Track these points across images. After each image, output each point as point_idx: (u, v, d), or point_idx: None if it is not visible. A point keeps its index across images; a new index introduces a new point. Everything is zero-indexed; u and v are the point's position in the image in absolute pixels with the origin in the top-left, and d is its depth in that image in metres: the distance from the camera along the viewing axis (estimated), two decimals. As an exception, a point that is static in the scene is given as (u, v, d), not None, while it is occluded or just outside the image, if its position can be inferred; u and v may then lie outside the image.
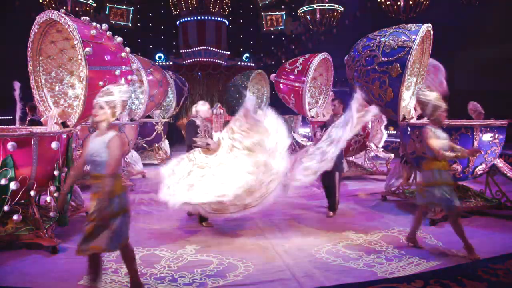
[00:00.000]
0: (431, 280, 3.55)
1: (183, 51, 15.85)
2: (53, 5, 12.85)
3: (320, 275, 3.73)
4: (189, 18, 16.08)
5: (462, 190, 5.83)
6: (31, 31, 5.31)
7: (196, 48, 15.59)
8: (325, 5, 14.76)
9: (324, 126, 5.90)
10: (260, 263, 4.03)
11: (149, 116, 11.08)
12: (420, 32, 5.71)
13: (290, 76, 9.71)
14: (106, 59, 5.11)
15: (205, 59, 15.56)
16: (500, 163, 5.66)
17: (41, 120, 5.61)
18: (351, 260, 4.08)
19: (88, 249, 2.92)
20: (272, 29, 18.68)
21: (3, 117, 14.44)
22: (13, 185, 4.11)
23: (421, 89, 4.53)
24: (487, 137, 5.28)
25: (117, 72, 5.24)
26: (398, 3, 12.55)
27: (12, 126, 5.97)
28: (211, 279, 3.67)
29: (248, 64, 16.57)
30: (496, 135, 5.35)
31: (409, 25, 6.01)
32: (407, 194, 6.26)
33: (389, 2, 12.77)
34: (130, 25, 17.80)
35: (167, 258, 4.18)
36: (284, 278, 3.69)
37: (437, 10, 14.09)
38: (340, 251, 4.34)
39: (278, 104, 13.31)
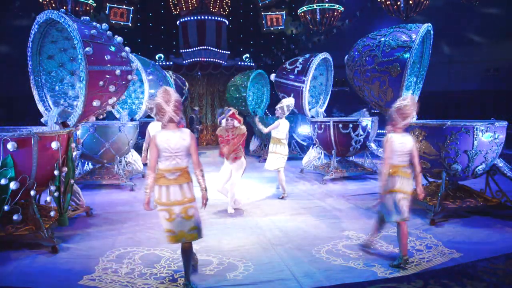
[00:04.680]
0: (431, 280, 3.55)
1: (183, 51, 15.82)
2: (53, 5, 12.84)
3: (320, 275, 3.73)
4: (189, 18, 16.05)
5: (462, 190, 5.84)
6: (31, 30, 5.32)
7: (196, 48, 15.57)
8: (325, 5, 14.75)
9: None
10: (260, 263, 4.03)
11: (149, 116, 11.07)
12: (421, 32, 5.72)
13: (290, 76, 9.71)
14: (106, 58, 5.11)
15: (205, 59, 15.53)
16: (500, 163, 5.66)
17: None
18: (351, 260, 4.08)
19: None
20: (272, 29, 18.67)
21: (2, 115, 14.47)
22: (13, 185, 4.12)
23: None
24: (487, 137, 5.28)
25: (117, 71, 5.24)
26: (398, 3, 12.54)
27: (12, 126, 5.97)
28: (211, 279, 3.67)
29: (248, 64, 16.55)
30: (496, 135, 5.35)
31: (409, 24, 6.02)
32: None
33: (389, 2, 12.76)
34: (130, 24, 17.78)
35: (167, 258, 4.18)
36: (284, 278, 3.69)
37: (436, 10, 14.10)
38: (340, 251, 4.34)
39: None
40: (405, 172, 3.99)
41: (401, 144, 3.96)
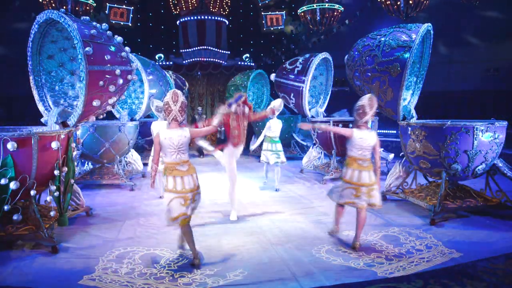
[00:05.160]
0: (431, 280, 3.55)
1: (183, 50, 15.81)
2: (53, 5, 12.84)
3: (320, 275, 3.73)
4: (189, 18, 16.04)
5: (462, 189, 5.84)
6: (31, 30, 5.31)
7: (196, 48, 15.57)
8: (325, 5, 14.75)
9: None
10: (260, 263, 4.03)
11: (149, 116, 11.09)
12: (420, 32, 5.71)
13: (290, 75, 9.71)
14: (106, 58, 5.11)
15: (205, 59, 15.52)
16: (500, 163, 5.66)
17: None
18: (351, 260, 4.08)
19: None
20: (272, 28, 18.67)
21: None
22: (13, 185, 4.12)
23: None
24: (487, 137, 5.28)
25: (117, 71, 5.24)
26: (398, 3, 12.54)
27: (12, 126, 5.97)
28: (211, 279, 3.67)
29: (248, 63, 16.54)
30: (496, 135, 5.35)
31: (409, 24, 6.02)
32: (407, 193, 6.26)
33: (389, 2, 12.75)
34: (130, 24, 17.76)
35: (167, 258, 4.18)
36: (284, 277, 3.69)
37: (436, 10, 14.09)
38: (340, 251, 4.34)
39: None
40: (361, 165, 4.42)
41: (361, 139, 4.41)
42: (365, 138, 4.40)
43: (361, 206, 4.37)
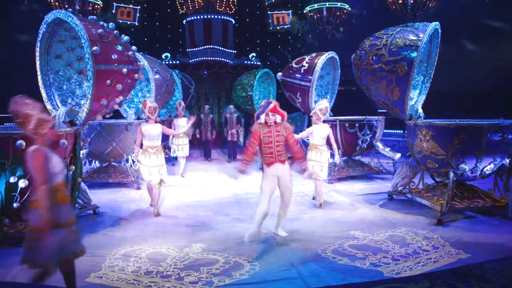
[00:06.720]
0: (438, 281, 3.53)
1: (190, 50, 15.86)
2: (61, 5, 12.93)
3: (326, 275, 3.73)
4: (195, 17, 16.09)
5: (470, 190, 5.79)
6: (40, 30, 5.36)
7: (203, 47, 15.60)
8: (332, 4, 14.71)
9: None
10: (266, 262, 4.03)
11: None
12: (428, 31, 5.67)
13: (296, 75, 9.68)
14: (113, 58, 5.14)
15: (211, 58, 15.55)
16: (509, 163, 5.60)
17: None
18: (358, 260, 4.07)
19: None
20: (278, 27, 18.64)
21: (3, 115, 14.58)
22: (22, 183, 4.16)
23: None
24: (495, 137, 5.22)
25: (124, 70, 5.27)
26: (405, 2, 12.45)
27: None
28: (217, 278, 3.68)
29: (255, 63, 16.54)
30: (505, 135, 5.29)
31: (416, 23, 5.97)
32: (414, 193, 6.21)
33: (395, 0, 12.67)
34: (136, 24, 17.85)
35: (173, 256, 4.20)
36: (290, 277, 3.69)
37: (442, 9, 13.97)
38: (346, 251, 4.33)
39: (284, 103, 13.28)
40: (320, 148, 6.22)
41: (319, 131, 6.20)
42: (322, 130, 6.21)
43: (319, 177, 6.07)
